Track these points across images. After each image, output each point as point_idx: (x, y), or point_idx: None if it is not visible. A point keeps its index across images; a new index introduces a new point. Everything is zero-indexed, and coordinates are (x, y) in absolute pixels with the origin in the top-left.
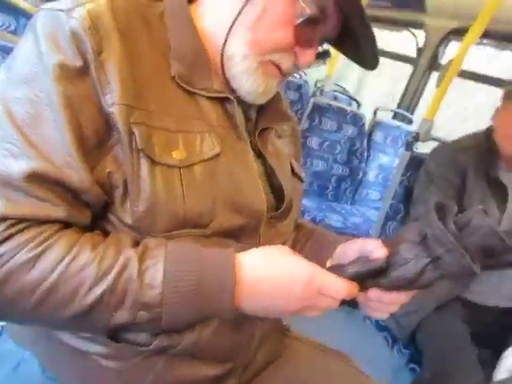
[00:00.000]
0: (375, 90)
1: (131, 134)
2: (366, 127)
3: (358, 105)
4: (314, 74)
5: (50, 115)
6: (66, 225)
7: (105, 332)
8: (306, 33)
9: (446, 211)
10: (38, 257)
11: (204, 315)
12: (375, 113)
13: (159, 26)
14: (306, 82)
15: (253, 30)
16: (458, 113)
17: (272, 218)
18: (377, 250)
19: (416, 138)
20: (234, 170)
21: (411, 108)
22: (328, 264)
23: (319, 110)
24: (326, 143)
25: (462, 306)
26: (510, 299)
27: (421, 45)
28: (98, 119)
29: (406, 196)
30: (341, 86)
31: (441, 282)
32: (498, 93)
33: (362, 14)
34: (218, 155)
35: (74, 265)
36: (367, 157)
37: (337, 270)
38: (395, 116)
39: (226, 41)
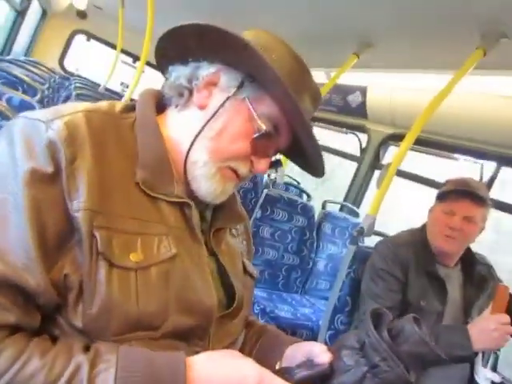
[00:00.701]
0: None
1: (93, 237)
2: (316, 218)
3: (308, 197)
4: None
5: (14, 218)
6: (14, 328)
7: None
8: (262, 145)
9: (381, 319)
10: None
11: None
12: (324, 205)
13: (129, 136)
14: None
15: (214, 140)
16: None
17: (222, 317)
18: (322, 354)
19: (361, 232)
20: (188, 271)
21: (357, 202)
22: (277, 367)
23: (271, 201)
24: (278, 232)
25: None
26: None
27: (364, 146)
28: (62, 222)
29: (354, 288)
30: (293, 179)
31: None
32: None
33: (309, 132)
34: (173, 257)
35: (22, 374)
36: (317, 247)
37: (285, 373)
38: (342, 208)
39: (189, 149)
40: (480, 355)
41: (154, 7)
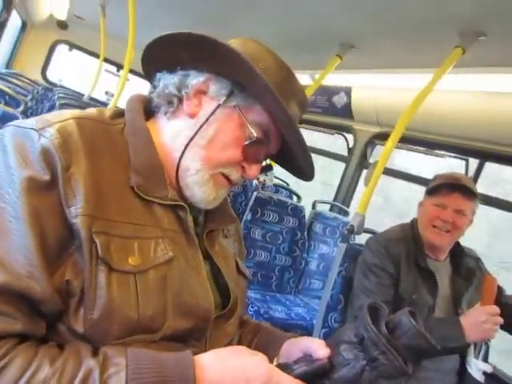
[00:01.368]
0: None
1: (92, 242)
2: (306, 218)
3: (298, 198)
4: None
5: (14, 226)
6: (22, 337)
7: None
8: (253, 152)
9: (378, 313)
10: None
11: None
12: (314, 205)
13: (120, 141)
14: None
15: (206, 148)
16: None
17: (218, 317)
18: (320, 349)
19: (351, 230)
20: (185, 274)
21: (346, 201)
22: (274, 363)
23: (261, 203)
24: (269, 234)
25: None
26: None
27: (351, 145)
28: (61, 228)
29: (346, 286)
30: (283, 181)
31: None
32: None
33: (299, 138)
34: (170, 260)
35: (33, 382)
36: (308, 247)
37: (283, 369)
38: (332, 208)
39: (181, 157)
40: (472, 347)
41: (136, 15)
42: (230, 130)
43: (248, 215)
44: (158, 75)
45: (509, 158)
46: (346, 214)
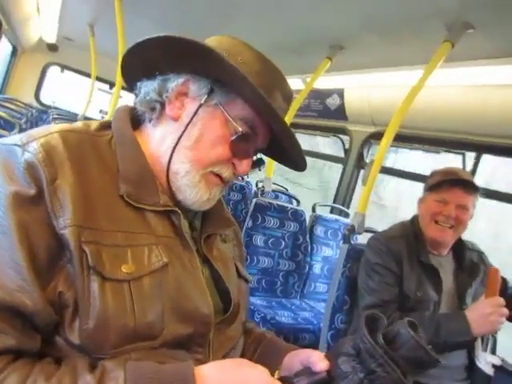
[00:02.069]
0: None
1: (82, 252)
2: (307, 222)
3: (298, 202)
4: (256, 175)
5: (3, 242)
6: (16, 354)
7: None
8: (241, 147)
9: (376, 324)
10: None
11: None
12: (314, 208)
13: (108, 152)
14: (248, 183)
15: (193, 149)
16: None
17: (220, 322)
18: (319, 362)
19: (352, 230)
20: (181, 279)
21: (346, 202)
22: (276, 375)
23: (261, 209)
24: (271, 240)
25: None
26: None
27: (347, 147)
28: (51, 241)
29: (350, 287)
30: (282, 186)
31: None
32: None
33: (284, 125)
34: (165, 266)
35: None
36: (311, 250)
37: (284, 382)
38: (332, 210)
39: (170, 161)
40: (479, 340)
41: (124, 32)
42: (214, 127)
43: (249, 222)
44: (139, 84)
45: (505, 150)
46: (346, 215)
